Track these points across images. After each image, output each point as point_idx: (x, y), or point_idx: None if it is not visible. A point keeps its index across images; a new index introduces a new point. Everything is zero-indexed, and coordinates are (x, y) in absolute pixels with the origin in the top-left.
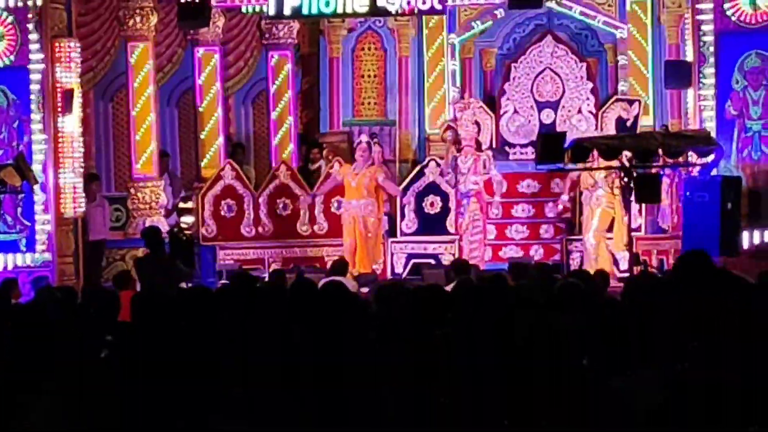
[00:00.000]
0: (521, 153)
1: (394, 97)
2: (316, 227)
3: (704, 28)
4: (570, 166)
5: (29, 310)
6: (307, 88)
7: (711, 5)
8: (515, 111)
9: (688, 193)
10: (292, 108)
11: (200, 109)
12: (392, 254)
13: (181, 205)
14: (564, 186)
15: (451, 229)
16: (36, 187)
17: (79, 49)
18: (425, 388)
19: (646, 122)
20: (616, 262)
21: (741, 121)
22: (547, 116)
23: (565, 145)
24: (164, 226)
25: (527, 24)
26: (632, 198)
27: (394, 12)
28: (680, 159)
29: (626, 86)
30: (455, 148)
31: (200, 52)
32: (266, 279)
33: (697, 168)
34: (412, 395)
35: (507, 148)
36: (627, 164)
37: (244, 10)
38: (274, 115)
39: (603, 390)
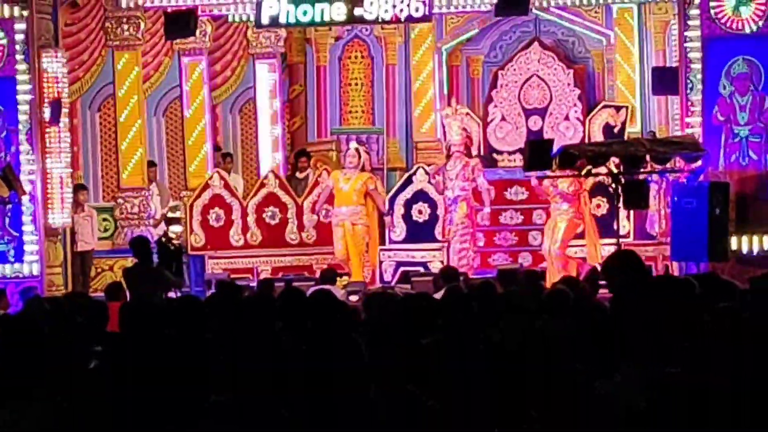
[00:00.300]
0: (509, 160)
1: (381, 105)
2: (304, 235)
3: (691, 33)
4: (558, 173)
5: (18, 321)
6: (294, 97)
7: (698, 11)
8: (503, 118)
9: (675, 199)
10: (280, 116)
11: (187, 117)
12: (381, 262)
13: (169, 214)
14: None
15: (440, 237)
16: (24, 198)
17: (65, 60)
18: (415, 394)
19: (634, 128)
20: (578, 274)
21: (728, 127)
22: (535, 123)
23: (553, 151)
24: (152, 236)
25: (514, 31)
26: (620, 204)
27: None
28: (668, 165)
29: (613, 87)
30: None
31: (187, 61)
32: (255, 288)
33: (685, 174)
34: (402, 401)
35: (494, 155)
36: (615, 171)
37: (231, 19)
38: (261, 123)
39: (589, 394)
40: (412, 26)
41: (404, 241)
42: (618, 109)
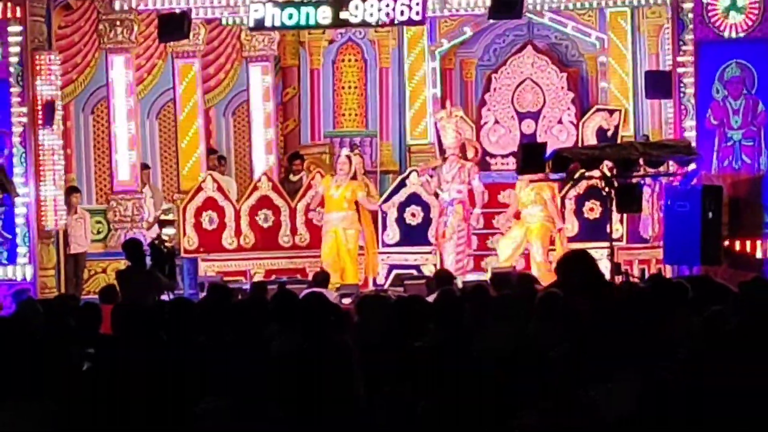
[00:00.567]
0: (502, 163)
1: (374, 108)
2: (297, 238)
3: (684, 37)
4: (551, 176)
5: (11, 323)
6: (287, 100)
7: (691, 15)
8: (496, 121)
9: (668, 203)
10: (273, 119)
11: (180, 120)
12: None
13: (163, 217)
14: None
15: (433, 240)
16: (17, 200)
17: (59, 62)
18: (407, 396)
19: (627, 132)
20: None
21: (721, 131)
22: (528, 126)
23: (546, 155)
24: (146, 239)
25: (507, 35)
26: (613, 208)
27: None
28: (661, 168)
29: (606, 91)
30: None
31: (180, 63)
32: (248, 291)
33: (678, 177)
34: (394, 405)
35: (488, 159)
36: (608, 174)
37: (224, 22)
38: (254, 126)
39: (581, 400)
40: (405, 29)
41: (397, 244)
42: (611, 112)
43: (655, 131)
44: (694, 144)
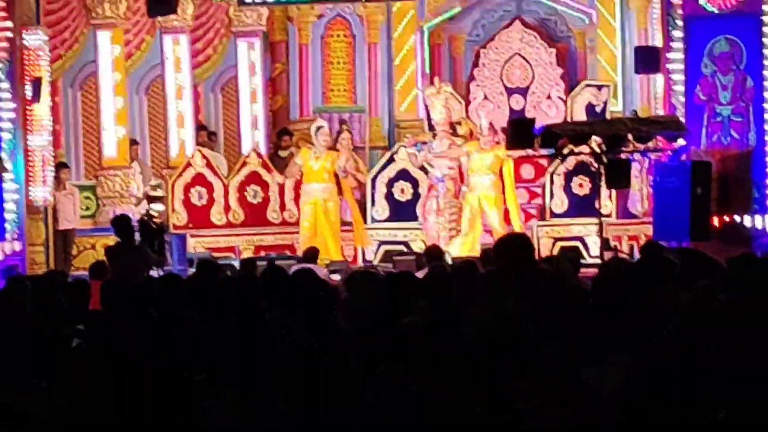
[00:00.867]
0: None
1: (363, 84)
2: (286, 214)
3: (673, 12)
4: (540, 152)
5: (0, 300)
6: (276, 75)
7: None
8: (485, 97)
9: (658, 179)
10: (262, 95)
11: (168, 96)
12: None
13: (151, 193)
14: None
15: (421, 217)
16: (5, 176)
17: (47, 37)
18: (399, 377)
19: (616, 108)
20: None
21: (710, 106)
22: (517, 102)
23: (535, 130)
24: (134, 215)
25: (496, 10)
26: (602, 183)
27: None
28: (650, 144)
29: (595, 66)
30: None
31: (169, 39)
32: (237, 267)
33: (667, 153)
34: (386, 385)
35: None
36: (597, 150)
37: None
38: (243, 102)
39: (572, 379)
40: (393, 5)
41: (386, 220)
42: (600, 88)
43: (644, 107)
44: (683, 119)
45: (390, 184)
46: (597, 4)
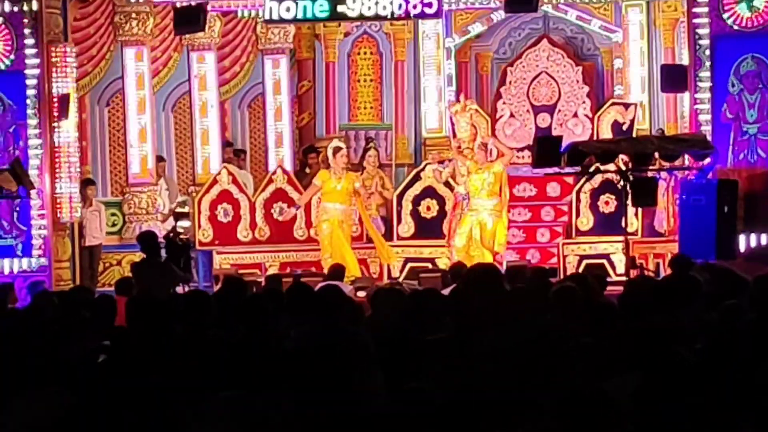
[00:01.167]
0: (517, 157)
1: (390, 101)
2: (312, 231)
3: (700, 31)
4: (567, 170)
5: (27, 315)
6: (303, 93)
7: (706, 9)
8: (511, 115)
9: (684, 197)
10: (288, 112)
11: (195, 113)
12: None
13: (178, 209)
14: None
15: (447, 233)
16: (32, 192)
17: (74, 54)
18: (428, 391)
19: (643, 126)
20: None
21: (737, 125)
22: (543, 120)
23: (562, 148)
24: (160, 231)
25: (523, 28)
26: (628, 202)
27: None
28: (676, 162)
29: (621, 90)
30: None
31: (195, 56)
32: (263, 284)
33: (694, 171)
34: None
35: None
36: (623, 168)
37: (240, 14)
38: (269, 119)
39: (596, 394)
40: (421, 22)
41: (412, 237)
42: (627, 106)
43: (670, 125)
44: (709, 138)
45: (416, 201)
46: (624, 23)
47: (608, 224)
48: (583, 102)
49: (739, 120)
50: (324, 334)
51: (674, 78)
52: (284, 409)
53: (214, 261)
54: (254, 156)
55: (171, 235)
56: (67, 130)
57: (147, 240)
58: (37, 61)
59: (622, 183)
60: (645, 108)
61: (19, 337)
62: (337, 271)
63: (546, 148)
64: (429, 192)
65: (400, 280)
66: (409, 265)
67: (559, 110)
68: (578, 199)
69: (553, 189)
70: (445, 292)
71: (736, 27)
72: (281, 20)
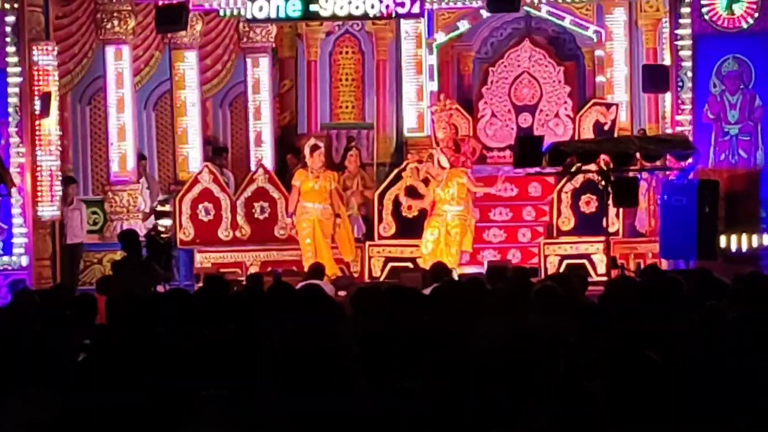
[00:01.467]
0: (499, 157)
1: (371, 101)
2: (293, 231)
3: (682, 32)
4: (548, 169)
5: (7, 314)
6: (284, 92)
7: (689, 9)
8: (493, 114)
9: (665, 197)
10: (270, 111)
11: (177, 111)
12: (370, 258)
13: (159, 208)
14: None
15: None
16: (13, 190)
17: (56, 53)
18: (411, 390)
19: (624, 126)
20: None
21: (718, 125)
22: (525, 120)
23: (543, 148)
24: (142, 230)
25: (505, 28)
26: (610, 202)
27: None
28: (658, 163)
29: (604, 79)
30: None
31: (177, 55)
32: (244, 283)
33: (675, 172)
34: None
35: (484, 152)
36: (605, 168)
37: (221, 13)
38: (251, 118)
39: (577, 392)
40: (403, 22)
41: (393, 237)
42: (608, 106)
43: (652, 125)
44: (691, 138)
45: (397, 201)
46: (606, 23)
47: (589, 224)
48: (565, 102)
49: (721, 120)
50: (305, 333)
51: (656, 78)
52: (267, 409)
53: (195, 260)
54: (236, 155)
55: (152, 233)
56: (48, 128)
57: (128, 238)
58: (18, 59)
59: (603, 183)
60: (626, 108)
61: (1, 335)
62: (317, 270)
63: (527, 148)
64: (410, 191)
65: (381, 279)
66: (390, 264)
67: (541, 110)
68: (559, 199)
69: (534, 189)
70: (426, 291)
71: (718, 27)
72: (272, 20)
